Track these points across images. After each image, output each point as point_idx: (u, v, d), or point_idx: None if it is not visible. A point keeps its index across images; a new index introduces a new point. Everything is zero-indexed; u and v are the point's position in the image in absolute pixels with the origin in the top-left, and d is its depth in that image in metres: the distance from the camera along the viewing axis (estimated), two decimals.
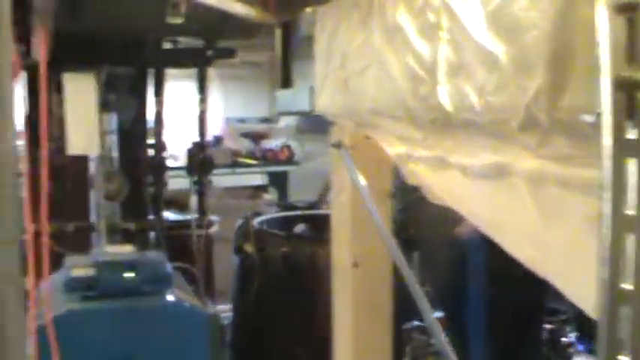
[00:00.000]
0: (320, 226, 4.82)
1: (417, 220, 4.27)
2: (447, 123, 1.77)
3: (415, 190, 2.22)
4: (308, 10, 2.52)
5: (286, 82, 3.01)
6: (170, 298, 3.67)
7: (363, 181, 2.31)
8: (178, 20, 3.63)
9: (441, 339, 2.02)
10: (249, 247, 4.50)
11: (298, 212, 5.24)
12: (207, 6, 3.04)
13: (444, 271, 4.11)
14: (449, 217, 3.93)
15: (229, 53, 4.72)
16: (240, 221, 4.77)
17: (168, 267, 3.74)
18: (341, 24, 2.24)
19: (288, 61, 3.00)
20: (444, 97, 1.71)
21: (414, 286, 2.09)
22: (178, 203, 6.43)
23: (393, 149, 2.18)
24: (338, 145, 2.39)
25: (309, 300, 4.31)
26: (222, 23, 3.92)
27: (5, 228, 2.12)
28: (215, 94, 8.24)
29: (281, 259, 4.33)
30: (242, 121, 10.32)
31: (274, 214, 5.18)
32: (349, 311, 2.56)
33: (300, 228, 4.85)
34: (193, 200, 7.67)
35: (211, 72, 5.57)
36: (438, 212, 2.85)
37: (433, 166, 2.00)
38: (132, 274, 3.61)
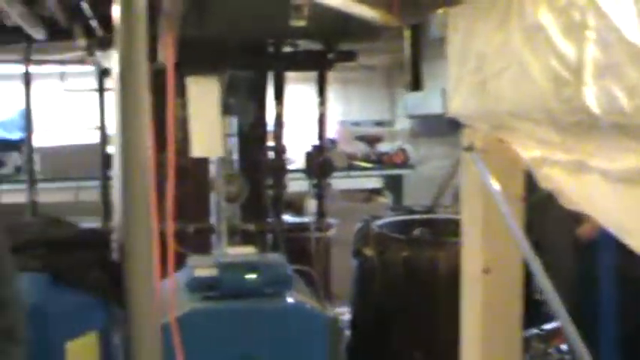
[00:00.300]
0: (439, 230, 4.78)
1: (539, 224, 4.17)
2: (591, 125, 1.70)
3: (536, 193, 2.16)
4: (439, 11, 2.47)
5: (416, 85, 2.96)
6: (291, 300, 3.69)
7: (495, 185, 2.24)
8: (301, 23, 3.63)
9: (580, 349, 1.94)
10: (368, 251, 4.48)
11: (416, 216, 5.19)
12: (330, 8, 3.03)
13: (569, 275, 3.99)
14: (572, 220, 3.83)
15: (350, 56, 4.70)
16: (359, 224, 4.76)
17: (289, 269, 3.75)
18: (476, 25, 2.18)
19: (417, 63, 2.96)
20: (591, 98, 1.64)
21: (550, 293, 2.03)
22: (294, 206, 6.47)
23: (528, 152, 2.11)
24: (470, 149, 2.33)
25: (429, 304, 4.28)
26: (344, 26, 3.90)
27: (141, 229, 2.16)
28: (329, 96, 8.24)
29: (401, 263, 4.30)
30: (357, 124, 10.32)
31: (393, 217, 5.13)
32: (478, 318, 2.49)
33: (418, 232, 4.80)
34: (309, 203, 7.72)
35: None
36: (560, 215, 2.76)
37: (570, 170, 1.93)
38: (253, 276, 3.64)
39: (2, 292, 2.36)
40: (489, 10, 2.09)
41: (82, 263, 3.87)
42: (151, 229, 2.14)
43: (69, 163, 8.03)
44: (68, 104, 8.39)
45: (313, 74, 5.10)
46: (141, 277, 2.15)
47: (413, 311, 4.37)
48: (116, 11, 2.28)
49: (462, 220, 2.58)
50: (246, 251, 3.94)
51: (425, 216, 5.19)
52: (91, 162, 8.29)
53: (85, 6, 3.67)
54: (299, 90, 6.78)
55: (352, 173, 9.26)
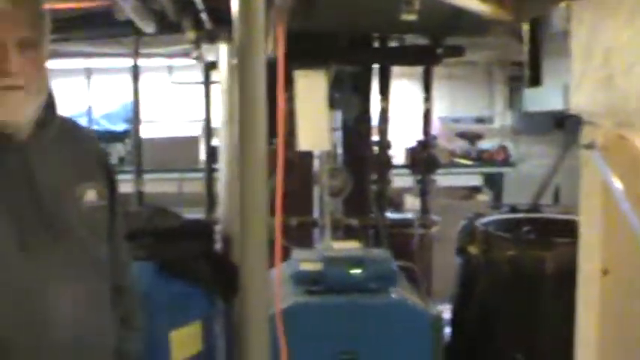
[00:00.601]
0: (545, 229, 4.68)
1: None
2: None
3: None
4: (561, 4, 2.39)
5: (535, 80, 2.89)
6: (395, 296, 3.66)
7: (617, 183, 2.16)
8: (412, 17, 3.58)
9: None
10: (473, 249, 4.42)
11: (521, 214, 5.08)
12: (440, 2, 2.98)
13: None
14: None
15: (459, 51, 4.63)
16: (462, 222, 4.70)
17: (394, 265, 3.72)
18: (603, 19, 2.10)
19: (537, 58, 2.88)
20: None
21: None
22: (392, 201, 6.45)
23: None
24: (590, 146, 2.25)
25: (535, 305, 4.19)
26: (454, 20, 3.84)
27: (256, 222, 2.17)
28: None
29: (507, 262, 4.22)
30: (457, 120, 10.23)
31: (498, 215, 5.04)
32: (595, 320, 2.40)
33: (525, 230, 4.71)
34: (408, 199, 7.69)
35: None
36: None
37: None
38: (358, 271, 3.62)
39: (121, 280, 2.40)
40: (618, 3, 2.01)
41: (187, 254, 3.93)
42: (265, 222, 2.15)
43: (172, 154, 8.20)
44: (173, 96, 8.56)
45: (414, 69, 5.05)
46: (254, 269, 2.15)
47: (517, 311, 4.29)
48: (234, 3, 2.28)
49: (580, 219, 2.50)
50: (351, 246, 3.93)
51: (531, 215, 5.09)
52: (192, 154, 8.50)
53: None
54: (399, 85, 6.76)
55: (452, 170, 9.19)
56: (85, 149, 2.34)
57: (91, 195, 2.23)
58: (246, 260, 2.13)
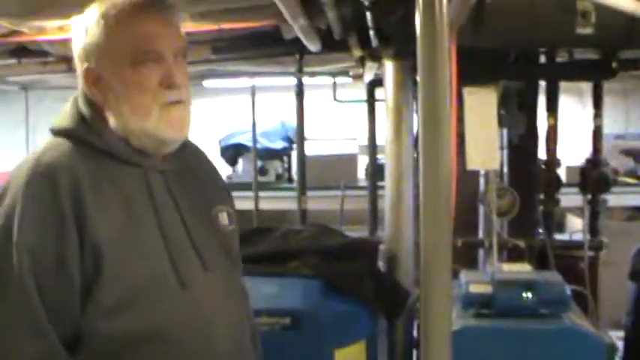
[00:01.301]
0: None
1: None
2: None
3: None
4: None
5: None
6: (568, 322, 3.51)
7: None
8: (588, 30, 3.46)
9: None
10: None
11: None
12: (616, 13, 2.85)
13: None
14: None
15: (636, 65, 4.42)
16: (637, 245, 4.49)
17: (567, 289, 3.57)
18: None
19: None
20: None
21: None
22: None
23: None
24: None
25: None
26: (630, 32, 3.67)
27: (440, 243, 2.11)
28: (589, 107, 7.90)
29: None
30: (621, 137, 9.83)
31: None
32: None
33: None
34: (570, 219, 7.44)
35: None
36: None
37: None
38: (530, 294, 3.50)
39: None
40: None
41: (353, 272, 3.92)
42: (450, 244, 2.09)
43: (331, 171, 8.26)
44: (329, 114, 8.62)
45: (571, 84, 4.84)
46: (438, 291, 2.09)
47: None
48: (417, 21, 2.24)
49: None
50: (521, 268, 3.81)
51: None
52: (351, 171, 8.52)
53: (365, 17, 3.69)
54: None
55: (615, 189, 8.81)
56: (208, 170, 2.29)
57: (223, 218, 2.18)
58: (428, 282, 2.08)
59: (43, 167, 1.90)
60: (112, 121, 2.00)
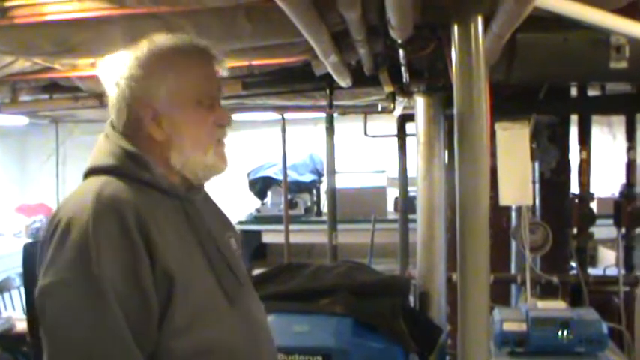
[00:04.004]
0: None
1: None
2: None
3: None
4: None
5: None
6: None
7: None
8: (622, 65, 3.43)
9: None
10: None
11: None
12: None
13: None
14: None
15: None
16: None
17: (604, 327, 3.52)
18: None
19: None
20: None
21: None
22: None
23: None
24: None
25: None
26: None
27: (477, 280, 2.10)
28: (619, 138, 7.85)
29: None
30: None
31: None
32: None
33: None
34: (603, 252, 7.34)
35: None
36: None
37: None
38: (566, 333, 3.45)
39: None
40: None
41: (385, 310, 3.89)
42: (487, 282, 2.07)
43: (360, 205, 8.24)
44: (360, 146, 8.60)
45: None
46: (475, 332, 2.07)
47: None
48: (453, 57, 2.24)
49: None
50: (556, 305, 3.75)
51: None
52: (380, 204, 8.49)
53: (397, 53, 3.69)
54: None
55: None
56: (213, 200, 2.42)
57: (234, 244, 2.32)
58: (466, 321, 2.06)
59: (107, 200, 1.96)
60: (173, 156, 2.12)
